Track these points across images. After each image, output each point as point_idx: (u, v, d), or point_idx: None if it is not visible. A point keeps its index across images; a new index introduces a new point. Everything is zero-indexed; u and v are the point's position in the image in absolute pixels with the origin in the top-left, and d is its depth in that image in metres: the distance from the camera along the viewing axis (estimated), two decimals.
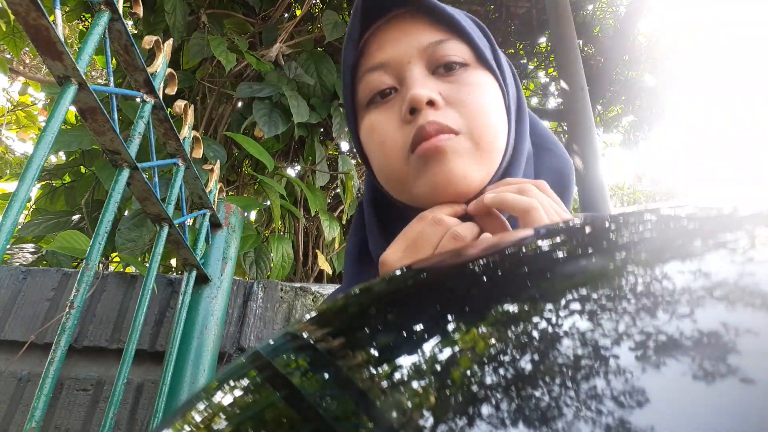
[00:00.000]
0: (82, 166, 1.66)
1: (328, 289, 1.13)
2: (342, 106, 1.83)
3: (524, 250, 0.19)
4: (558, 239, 0.19)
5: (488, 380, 0.12)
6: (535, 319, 0.14)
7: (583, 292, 0.14)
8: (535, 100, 3.58)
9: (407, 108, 0.43)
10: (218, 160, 1.15)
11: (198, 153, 0.90)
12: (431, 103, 0.43)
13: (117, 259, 1.39)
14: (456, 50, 0.46)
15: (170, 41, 0.77)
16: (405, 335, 0.15)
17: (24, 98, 3.02)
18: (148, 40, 0.70)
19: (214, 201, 1.00)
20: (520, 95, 0.51)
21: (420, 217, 0.42)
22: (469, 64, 0.46)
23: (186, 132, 0.85)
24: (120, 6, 0.63)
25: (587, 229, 0.20)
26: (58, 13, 0.53)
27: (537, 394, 0.11)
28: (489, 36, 0.51)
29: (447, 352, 0.13)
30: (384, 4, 0.48)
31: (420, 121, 0.43)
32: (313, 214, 1.77)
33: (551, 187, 0.43)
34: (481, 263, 0.19)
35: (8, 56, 2.38)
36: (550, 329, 0.13)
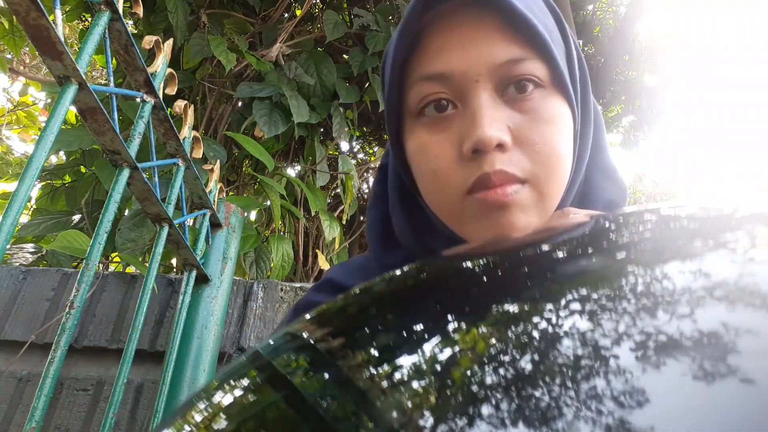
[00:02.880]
0: (82, 166, 1.66)
1: None
2: (342, 106, 1.83)
3: (524, 250, 0.19)
4: (570, 240, 0.19)
5: (488, 380, 0.12)
6: (536, 320, 0.14)
7: (584, 292, 0.14)
8: None
9: (470, 147, 0.38)
10: (218, 160, 1.15)
11: (198, 153, 0.90)
12: (500, 146, 0.38)
13: (117, 259, 1.39)
14: (533, 70, 0.39)
15: (170, 41, 0.77)
16: (405, 335, 0.15)
17: (24, 99, 3.02)
18: (148, 40, 0.70)
19: (214, 201, 1.00)
20: (587, 120, 0.45)
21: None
22: (545, 86, 0.40)
23: (186, 132, 0.85)
24: (120, 6, 0.63)
25: (600, 230, 0.20)
26: (58, 13, 0.53)
27: (537, 394, 0.11)
28: (565, 31, 0.44)
29: (447, 353, 0.13)
30: None
31: (485, 167, 0.38)
32: (313, 214, 1.77)
33: None
34: (482, 263, 0.19)
35: (8, 56, 2.38)
36: (550, 329, 0.13)
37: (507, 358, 0.13)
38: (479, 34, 0.39)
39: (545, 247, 0.19)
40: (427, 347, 0.14)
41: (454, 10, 0.41)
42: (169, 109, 0.84)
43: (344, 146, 2.37)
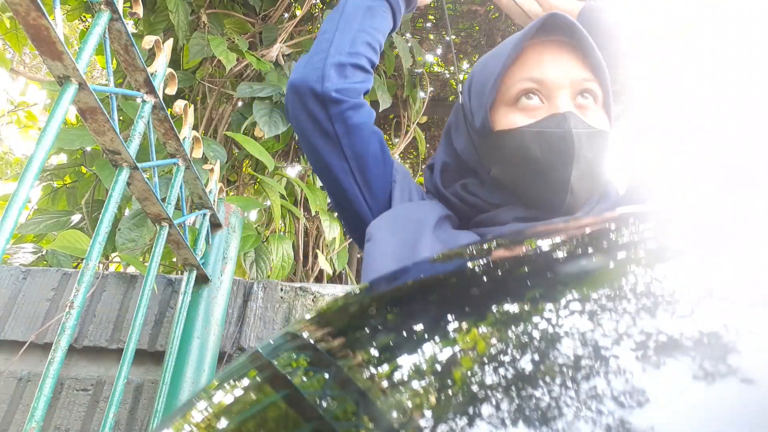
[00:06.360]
0: (83, 166, 1.66)
1: (329, 289, 1.13)
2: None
3: (524, 250, 0.19)
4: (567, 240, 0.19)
5: (488, 380, 0.12)
6: (536, 319, 0.14)
7: (586, 292, 0.14)
8: None
9: None
10: (218, 160, 1.15)
11: (198, 153, 0.90)
12: None
13: (117, 259, 1.39)
14: (595, 90, 0.60)
15: (170, 41, 0.77)
16: (405, 335, 0.15)
17: (24, 102, 3.02)
18: (148, 40, 0.70)
19: (214, 201, 1.00)
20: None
21: None
22: (597, 103, 0.61)
23: (186, 132, 0.85)
24: (120, 6, 0.63)
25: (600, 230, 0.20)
26: (58, 13, 0.53)
27: (537, 394, 0.11)
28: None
29: (447, 352, 0.13)
30: (559, 28, 0.61)
31: None
32: (313, 213, 1.77)
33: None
34: (481, 263, 0.19)
35: (9, 56, 2.38)
36: (550, 329, 0.13)
37: (506, 358, 0.13)
38: (567, 57, 0.61)
39: (546, 246, 0.19)
40: (427, 347, 0.14)
41: (548, 40, 0.61)
42: (169, 109, 0.84)
43: None
